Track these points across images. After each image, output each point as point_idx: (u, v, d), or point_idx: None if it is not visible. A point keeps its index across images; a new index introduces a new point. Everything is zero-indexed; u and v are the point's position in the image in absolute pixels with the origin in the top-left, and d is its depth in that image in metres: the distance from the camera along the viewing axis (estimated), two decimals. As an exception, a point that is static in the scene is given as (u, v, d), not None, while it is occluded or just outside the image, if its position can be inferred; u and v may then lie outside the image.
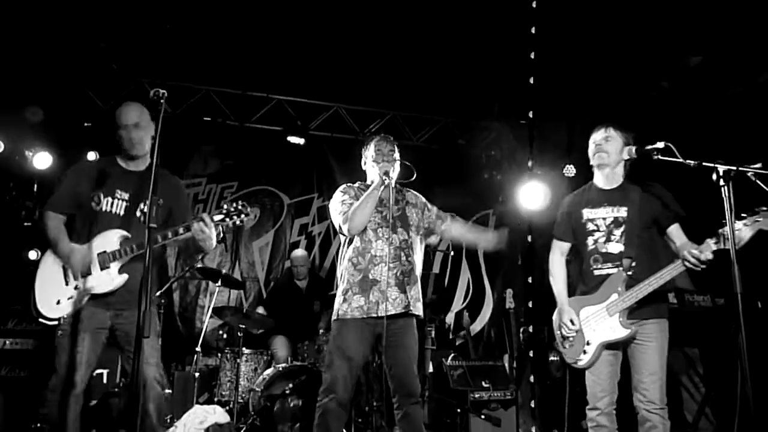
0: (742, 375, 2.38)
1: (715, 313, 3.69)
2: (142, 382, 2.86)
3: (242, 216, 3.02)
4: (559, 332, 3.24)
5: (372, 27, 5.47)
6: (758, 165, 2.55)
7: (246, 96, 6.26)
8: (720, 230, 2.75)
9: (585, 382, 3.16)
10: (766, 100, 4.67)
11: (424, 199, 3.58)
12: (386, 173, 3.26)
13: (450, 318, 6.76)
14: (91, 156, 5.72)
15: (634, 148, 3.04)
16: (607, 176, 3.20)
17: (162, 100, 2.55)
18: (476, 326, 6.86)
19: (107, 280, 2.98)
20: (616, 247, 3.10)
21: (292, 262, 5.94)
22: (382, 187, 3.24)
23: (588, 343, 3.11)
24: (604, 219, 3.15)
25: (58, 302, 2.96)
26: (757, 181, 2.55)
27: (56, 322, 2.94)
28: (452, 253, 6.74)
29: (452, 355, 5.58)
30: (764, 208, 2.71)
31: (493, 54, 5.89)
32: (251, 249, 6.43)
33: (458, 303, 6.89)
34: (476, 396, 5.06)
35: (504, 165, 7.00)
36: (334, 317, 3.27)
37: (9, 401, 4.50)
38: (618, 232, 3.11)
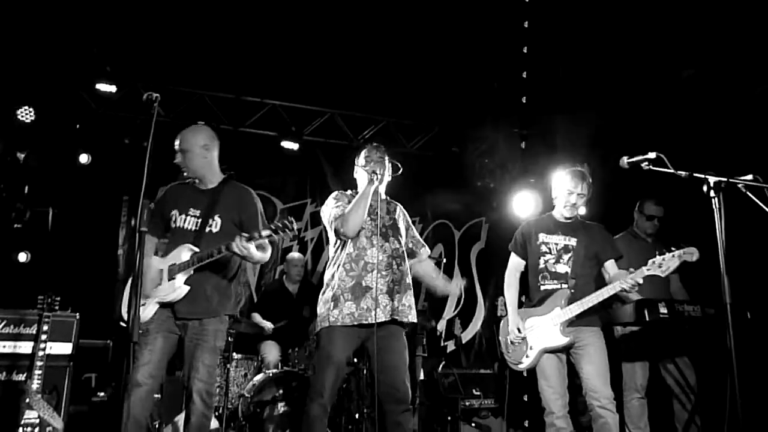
0: (732, 385, 2.39)
1: (705, 323, 3.70)
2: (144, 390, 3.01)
3: (288, 232, 2.99)
4: (504, 339, 3.70)
5: (368, 33, 5.49)
6: (749, 177, 2.57)
7: (240, 100, 6.26)
8: (651, 259, 3.30)
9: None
10: (761, 112, 4.71)
11: (409, 219, 3.62)
12: (374, 172, 3.27)
13: (442, 325, 6.75)
14: (84, 158, 5.72)
15: (626, 159, 3.06)
16: (563, 214, 3.69)
17: (155, 104, 2.58)
18: (468, 334, 6.86)
19: (170, 289, 3.13)
20: (563, 268, 3.60)
21: (287, 263, 5.89)
22: (373, 186, 3.25)
23: (531, 348, 3.57)
24: (556, 244, 3.65)
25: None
26: (748, 193, 2.56)
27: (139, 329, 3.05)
28: (444, 260, 6.74)
29: (443, 362, 5.57)
30: (683, 245, 3.27)
31: (487, 63, 5.93)
32: (243, 254, 6.39)
33: (450, 310, 6.89)
34: (467, 404, 5.06)
35: (497, 173, 7.02)
36: (323, 324, 3.26)
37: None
38: (566, 257, 3.61)
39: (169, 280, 3.14)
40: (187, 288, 3.13)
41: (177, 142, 3.30)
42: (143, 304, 3.07)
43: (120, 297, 3.28)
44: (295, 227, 2.99)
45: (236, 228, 3.26)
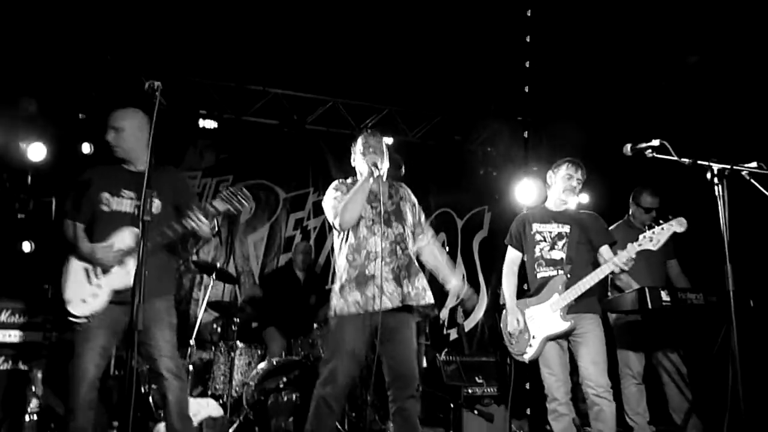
0: (734, 373, 2.40)
1: (707, 311, 3.71)
2: (148, 373, 3.09)
3: (242, 200, 3.07)
4: (506, 331, 3.76)
5: (370, 22, 5.47)
6: (753, 164, 2.56)
7: (242, 89, 6.24)
8: (642, 234, 3.37)
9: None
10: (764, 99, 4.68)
11: (415, 199, 3.56)
12: (375, 164, 3.23)
13: (444, 313, 6.77)
14: (86, 148, 5.71)
15: (629, 146, 3.05)
16: (558, 203, 3.78)
17: (157, 93, 2.57)
18: (470, 322, 6.88)
19: (124, 275, 3.10)
20: (558, 255, 3.66)
21: (295, 249, 6.00)
22: (372, 179, 3.21)
23: (533, 338, 3.62)
24: (550, 232, 3.72)
25: (84, 300, 3.10)
26: (752, 180, 2.56)
27: (86, 320, 3.08)
28: (447, 248, 6.75)
29: (446, 350, 5.59)
30: (671, 217, 3.34)
31: (490, 50, 5.90)
32: (246, 243, 6.42)
33: (452, 298, 6.90)
34: (469, 391, 5.08)
35: (500, 161, 7.00)
36: (331, 314, 3.26)
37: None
38: (560, 243, 3.67)
39: (119, 266, 3.12)
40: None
41: (111, 120, 3.28)
42: (95, 295, 3.09)
43: (61, 292, 3.14)
44: (248, 196, 3.07)
45: (174, 210, 3.29)
